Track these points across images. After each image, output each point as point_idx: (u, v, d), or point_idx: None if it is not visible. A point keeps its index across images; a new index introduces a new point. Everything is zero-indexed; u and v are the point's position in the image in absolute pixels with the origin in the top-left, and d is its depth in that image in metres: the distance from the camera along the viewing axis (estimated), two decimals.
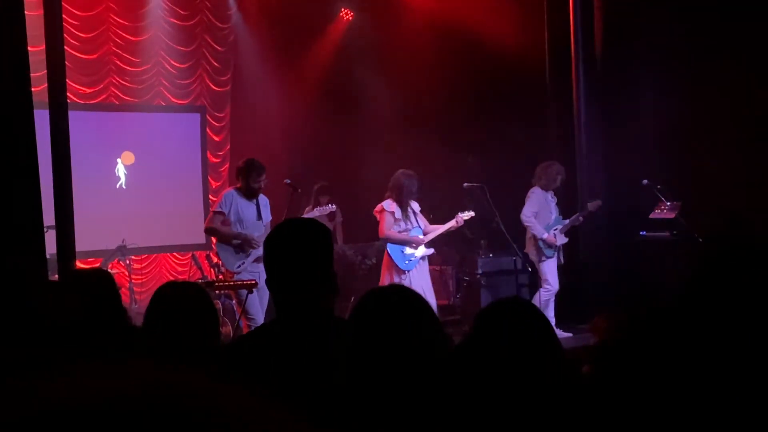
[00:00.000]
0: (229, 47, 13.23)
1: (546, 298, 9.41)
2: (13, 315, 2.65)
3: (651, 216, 9.44)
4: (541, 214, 9.44)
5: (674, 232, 9.30)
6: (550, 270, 9.44)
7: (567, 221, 9.50)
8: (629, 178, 9.52)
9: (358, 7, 12.92)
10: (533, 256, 9.54)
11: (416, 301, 2.41)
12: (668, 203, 9.23)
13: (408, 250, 8.82)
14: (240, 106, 13.38)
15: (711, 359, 1.90)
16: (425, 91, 11.65)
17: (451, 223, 9.05)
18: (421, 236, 8.88)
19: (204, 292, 3.57)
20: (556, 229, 9.43)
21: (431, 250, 9.03)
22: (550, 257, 9.43)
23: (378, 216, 8.86)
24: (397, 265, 8.74)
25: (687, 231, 9.00)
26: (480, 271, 10.65)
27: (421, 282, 8.75)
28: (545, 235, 9.37)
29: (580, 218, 9.51)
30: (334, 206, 9.59)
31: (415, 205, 8.98)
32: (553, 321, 9.13)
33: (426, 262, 9.00)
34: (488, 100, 11.18)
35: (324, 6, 12.81)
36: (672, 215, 9.22)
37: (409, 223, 8.85)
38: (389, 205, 8.80)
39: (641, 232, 9.64)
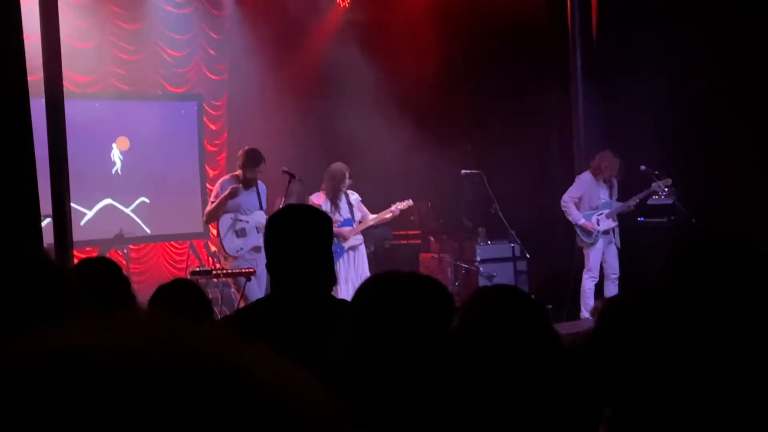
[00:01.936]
0: (226, 35, 13.18)
1: (588, 286, 9.43)
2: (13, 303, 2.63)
3: (648, 201, 9.45)
4: (585, 200, 9.46)
5: (672, 217, 9.31)
6: (593, 256, 9.46)
7: (620, 205, 9.47)
8: (627, 164, 9.51)
9: None
10: (578, 242, 9.57)
11: (435, 289, 2.43)
12: (665, 189, 9.23)
13: (335, 242, 8.88)
14: (237, 94, 13.33)
15: (698, 342, 1.91)
16: (423, 79, 11.62)
17: (385, 213, 9.18)
18: (348, 228, 8.95)
19: (198, 288, 3.60)
20: (601, 214, 9.41)
21: (359, 241, 9.11)
22: (591, 243, 9.44)
23: None
24: None
25: (685, 216, 9.00)
26: (478, 259, 10.66)
27: (350, 273, 8.85)
28: (581, 221, 9.40)
29: (631, 205, 9.43)
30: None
31: (354, 196, 9.10)
32: (590, 306, 9.15)
33: (358, 252, 9.09)
34: (487, 86, 11.15)
35: None
36: (670, 201, 9.23)
37: (338, 214, 8.95)
38: (317, 197, 8.97)
39: (639, 218, 9.65)
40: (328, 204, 8.92)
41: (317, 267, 2.96)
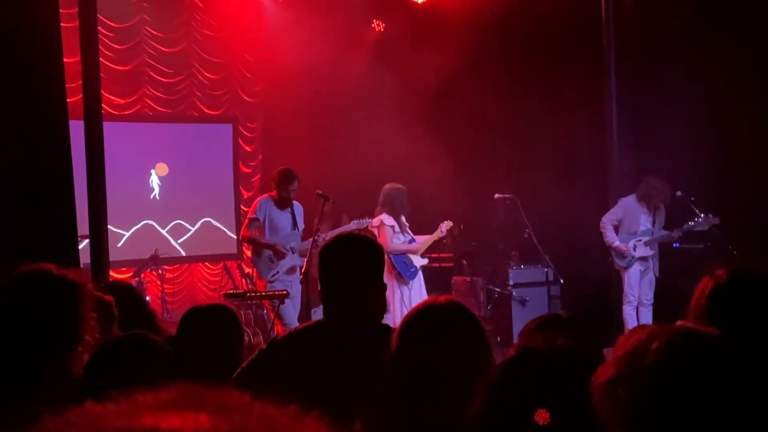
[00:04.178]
0: (262, 58, 13.29)
1: (626, 312, 9.37)
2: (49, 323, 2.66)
3: (684, 228, 9.35)
4: (625, 223, 9.41)
5: (708, 244, 9.21)
6: (627, 280, 9.43)
7: (662, 234, 9.39)
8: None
9: (389, 17, 12.93)
10: (615, 264, 9.57)
11: (470, 318, 2.44)
12: (702, 215, 9.12)
13: (409, 261, 8.89)
14: (272, 116, 13.43)
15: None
16: (457, 102, 11.63)
17: (437, 233, 9.19)
18: (416, 246, 9.01)
19: (229, 313, 3.61)
20: (639, 240, 9.34)
21: (426, 260, 9.12)
22: (624, 266, 9.39)
23: (376, 231, 8.91)
24: (402, 276, 8.80)
25: (721, 243, 8.90)
26: (511, 282, 10.60)
27: (421, 291, 8.87)
28: (615, 243, 9.37)
29: (674, 236, 9.34)
30: (371, 220, 9.54)
31: (402, 218, 9.09)
32: None
33: (421, 272, 9.09)
34: (520, 110, 11.12)
35: (355, 17, 12.83)
36: (706, 227, 9.12)
37: (406, 234, 8.96)
38: (388, 219, 8.89)
39: (674, 244, 9.55)
40: (397, 226, 8.93)
41: (371, 295, 2.99)
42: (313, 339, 3.01)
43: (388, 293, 8.99)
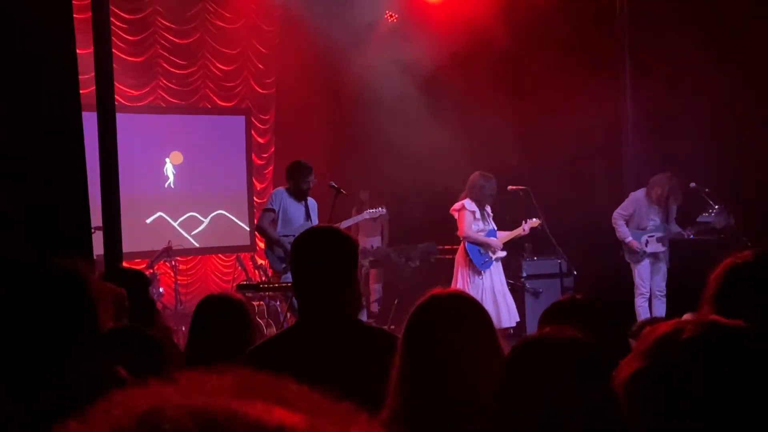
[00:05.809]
0: (274, 50, 13.28)
1: (639, 304, 9.34)
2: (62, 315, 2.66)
3: (698, 219, 9.30)
4: (635, 218, 9.38)
5: (722, 236, 9.16)
6: (638, 273, 9.41)
7: (675, 232, 9.33)
8: (679, 182, 9.38)
9: (402, 8, 12.89)
10: (626, 258, 9.54)
11: (476, 309, 2.41)
12: (716, 206, 9.08)
13: (484, 251, 8.84)
14: (285, 108, 13.42)
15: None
16: (470, 93, 11.60)
17: (519, 230, 9.13)
18: (497, 240, 8.92)
19: (242, 305, 3.60)
20: (652, 236, 9.30)
21: (505, 252, 9.07)
22: (636, 262, 9.36)
23: (456, 214, 8.88)
24: (474, 265, 8.77)
25: (736, 234, 8.85)
26: (524, 274, 10.58)
27: (496, 283, 8.83)
28: (627, 239, 9.33)
29: (685, 236, 9.28)
30: (383, 209, 9.49)
31: (488, 208, 9.02)
32: None
33: (500, 263, 9.02)
34: (533, 100, 11.09)
35: (368, 8, 12.80)
36: (719, 226, 9.07)
37: (486, 223, 8.90)
38: (469, 204, 8.82)
39: (689, 236, 9.51)
40: (478, 211, 8.89)
41: (341, 289, 2.84)
42: (286, 346, 2.90)
43: (460, 280, 8.84)
